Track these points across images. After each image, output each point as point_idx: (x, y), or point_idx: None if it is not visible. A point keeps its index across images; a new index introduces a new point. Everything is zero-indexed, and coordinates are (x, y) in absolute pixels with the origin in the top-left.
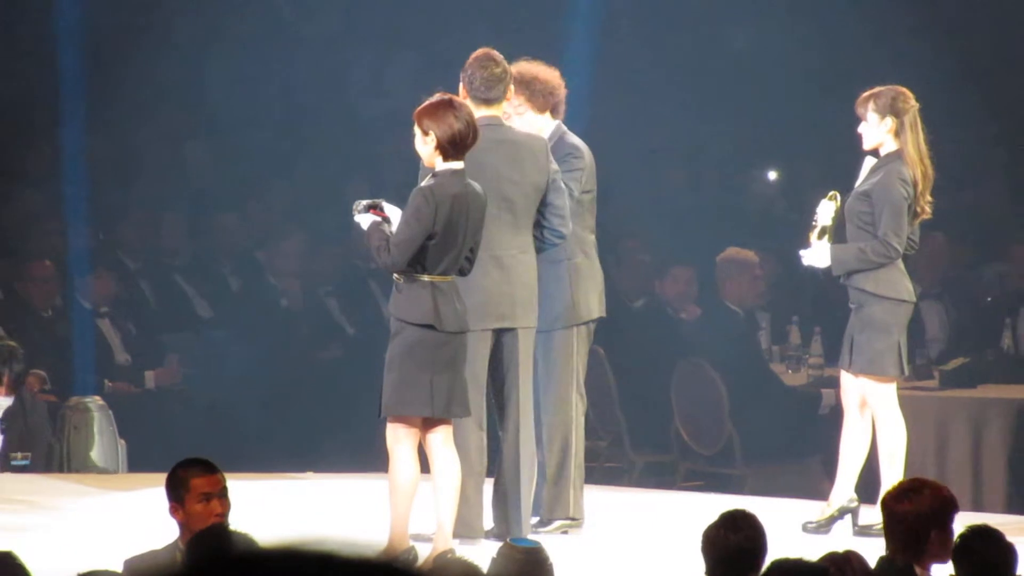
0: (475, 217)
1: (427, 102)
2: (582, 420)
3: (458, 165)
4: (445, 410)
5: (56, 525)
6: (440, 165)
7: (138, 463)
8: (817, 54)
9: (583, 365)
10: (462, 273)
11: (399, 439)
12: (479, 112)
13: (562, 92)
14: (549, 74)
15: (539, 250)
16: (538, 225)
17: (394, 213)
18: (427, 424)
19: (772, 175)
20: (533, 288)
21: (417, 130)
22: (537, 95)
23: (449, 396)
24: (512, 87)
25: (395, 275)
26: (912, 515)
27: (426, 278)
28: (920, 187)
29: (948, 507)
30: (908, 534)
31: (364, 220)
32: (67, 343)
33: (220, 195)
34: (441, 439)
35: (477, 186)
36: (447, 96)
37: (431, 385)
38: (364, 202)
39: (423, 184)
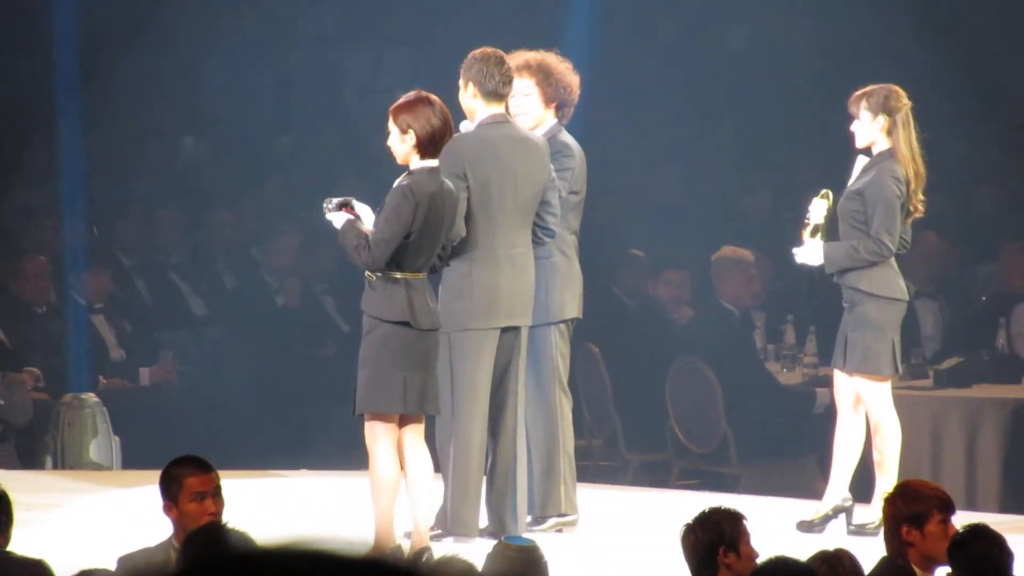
0: (450, 215)
1: (403, 99)
2: (568, 417)
3: (433, 163)
4: (418, 407)
5: (50, 522)
6: (416, 163)
7: (132, 460)
8: (815, 54)
9: (565, 363)
10: (434, 271)
11: (377, 437)
12: (488, 108)
13: (574, 96)
14: (570, 75)
15: None
16: (533, 223)
17: (364, 211)
18: (399, 422)
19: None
20: (533, 286)
21: (393, 127)
22: (550, 85)
23: (422, 393)
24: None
25: (367, 273)
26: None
27: (400, 276)
28: (913, 185)
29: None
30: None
31: (337, 219)
32: (62, 340)
33: (215, 192)
34: (413, 437)
35: (450, 184)
36: (423, 93)
37: (404, 382)
38: (335, 200)
39: (401, 182)
